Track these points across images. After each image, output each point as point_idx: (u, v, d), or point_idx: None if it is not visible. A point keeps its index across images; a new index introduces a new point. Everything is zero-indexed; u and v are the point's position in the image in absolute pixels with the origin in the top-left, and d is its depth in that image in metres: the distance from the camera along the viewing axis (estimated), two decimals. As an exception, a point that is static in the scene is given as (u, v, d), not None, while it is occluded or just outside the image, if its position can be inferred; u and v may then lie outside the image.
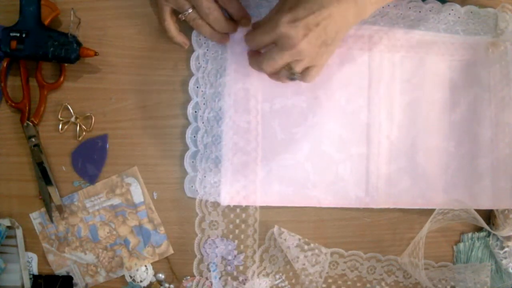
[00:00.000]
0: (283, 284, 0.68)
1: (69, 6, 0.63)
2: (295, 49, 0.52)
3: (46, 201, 0.63)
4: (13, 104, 0.63)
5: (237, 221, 0.66)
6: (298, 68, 0.55)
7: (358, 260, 0.69)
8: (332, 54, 0.58)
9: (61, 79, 0.63)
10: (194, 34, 0.64)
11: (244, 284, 0.66)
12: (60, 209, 0.63)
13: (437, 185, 0.67)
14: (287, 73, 0.56)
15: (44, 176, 0.63)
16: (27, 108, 0.63)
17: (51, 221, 0.64)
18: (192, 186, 0.64)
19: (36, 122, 0.63)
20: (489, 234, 0.70)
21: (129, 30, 0.64)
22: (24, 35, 0.60)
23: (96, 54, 0.61)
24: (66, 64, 0.63)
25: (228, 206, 0.65)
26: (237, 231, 0.66)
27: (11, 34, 0.59)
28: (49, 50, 0.60)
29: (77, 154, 0.64)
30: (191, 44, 0.63)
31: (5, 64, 0.62)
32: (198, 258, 0.66)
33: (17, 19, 0.60)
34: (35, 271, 0.65)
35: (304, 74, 0.57)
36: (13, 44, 0.59)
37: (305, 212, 0.67)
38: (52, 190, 0.63)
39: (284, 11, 0.52)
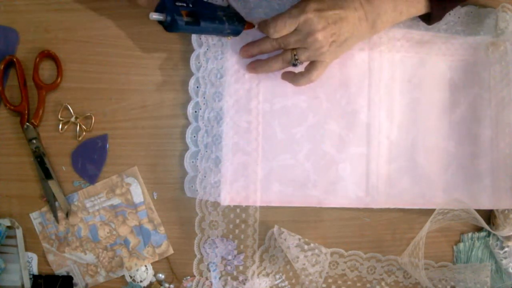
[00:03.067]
0: (283, 284, 0.68)
1: (72, 6, 0.63)
2: (312, 36, 0.56)
3: (51, 202, 0.63)
4: (12, 108, 0.62)
5: (237, 221, 0.66)
6: (303, 56, 0.58)
7: (358, 260, 0.69)
8: (336, 58, 0.60)
9: (59, 79, 0.63)
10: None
11: (244, 284, 0.66)
12: (66, 208, 0.63)
13: (437, 185, 0.67)
14: (290, 58, 0.59)
15: (47, 177, 0.63)
16: (26, 111, 0.62)
17: (57, 221, 0.64)
18: (192, 186, 0.64)
19: (36, 124, 0.63)
20: (489, 234, 0.70)
21: (129, 30, 0.64)
22: (191, 5, 0.51)
23: (254, 26, 0.59)
24: (64, 64, 0.63)
25: (228, 206, 0.65)
26: (237, 231, 0.66)
27: (177, 3, 0.51)
28: (224, 21, 0.54)
29: (77, 154, 0.64)
30: (190, 43, 0.63)
31: (1, 68, 0.62)
32: (198, 258, 0.66)
33: None
34: (35, 271, 0.65)
35: (309, 69, 0.60)
36: (184, 15, 0.50)
37: (305, 212, 0.67)
38: (56, 190, 0.63)
39: (311, 2, 0.56)
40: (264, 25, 0.58)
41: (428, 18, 0.62)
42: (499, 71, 0.68)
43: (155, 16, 0.50)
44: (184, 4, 0.51)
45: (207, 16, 0.53)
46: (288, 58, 0.59)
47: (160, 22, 0.51)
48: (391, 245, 0.69)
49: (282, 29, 0.56)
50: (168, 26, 0.51)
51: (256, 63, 0.62)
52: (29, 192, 0.64)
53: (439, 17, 0.62)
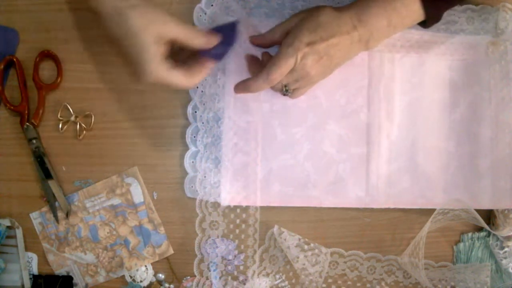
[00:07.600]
0: (283, 284, 0.68)
1: (72, 6, 0.63)
2: (305, 75, 0.56)
3: (51, 202, 0.63)
4: (12, 108, 0.62)
5: (238, 221, 0.66)
6: (293, 86, 0.58)
7: (358, 260, 0.69)
8: (324, 79, 0.60)
9: (59, 79, 0.63)
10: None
11: (244, 284, 0.66)
12: (66, 208, 0.63)
13: (437, 185, 0.67)
14: (281, 88, 0.59)
15: (47, 177, 0.63)
16: (26, 111, 0.62)
17: (57, 221, 0.64)
18: (192, 186, 0.64)
19: (36, 124, 0.63)
20: (489, 234, 0.70)
21: (129, 30, 0.64)
22: None
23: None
24: (64, 64, 0.63)
25: (229, 206, 0.65)
26: (237, 231, 0.66)
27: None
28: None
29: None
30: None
31: (1, 68, 0.62)
32: (199, 258, 0.66)
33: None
34: (35, 271, 0.65)
35: (294, 92, 0.60)
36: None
37: (305, 212, 0.67)
38: (56, 190, 0.63)
39: (303, 34, 0.54)
40: (256, 65, 0.60)
41: (424, 24, 0.60)
42: (499, 71, 0.68)
43: None
44: None
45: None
46: (278, 87, 0.58)
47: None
48: (391, 245, 0.69)
49: (278, 78, 0.55)
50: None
51: (243, 85, 0.58)
52: (29, 192, 0.64)
53: (436, 19, 0.60)
